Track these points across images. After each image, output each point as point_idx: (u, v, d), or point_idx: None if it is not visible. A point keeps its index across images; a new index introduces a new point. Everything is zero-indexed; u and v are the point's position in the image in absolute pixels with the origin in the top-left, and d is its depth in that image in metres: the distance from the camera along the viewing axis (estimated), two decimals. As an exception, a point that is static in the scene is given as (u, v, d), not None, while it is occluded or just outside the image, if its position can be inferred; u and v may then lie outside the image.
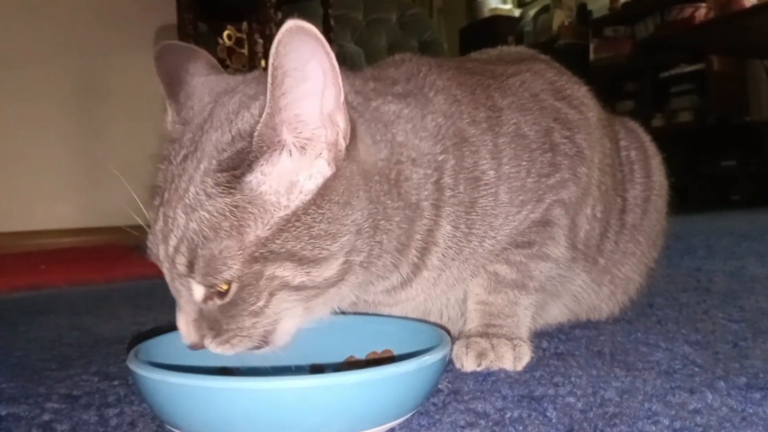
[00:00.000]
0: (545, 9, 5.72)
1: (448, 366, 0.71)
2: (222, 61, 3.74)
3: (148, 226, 0.60)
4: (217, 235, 0.54)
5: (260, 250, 0.55)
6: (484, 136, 0.73)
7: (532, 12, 5.89)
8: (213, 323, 0.59)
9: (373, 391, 0.51)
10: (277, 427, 0.49)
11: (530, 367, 0.74)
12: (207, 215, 0.55)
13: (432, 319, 0.81)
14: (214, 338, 0.59)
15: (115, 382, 0.76)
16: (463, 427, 0.56)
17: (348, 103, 0.59)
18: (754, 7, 3.61)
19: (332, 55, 0.53)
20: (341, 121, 0.57)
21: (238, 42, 3.81)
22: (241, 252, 0.55)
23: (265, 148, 0.54)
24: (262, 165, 0.55)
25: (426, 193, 0.68)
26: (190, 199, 0.55)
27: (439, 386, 0.67)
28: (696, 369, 0.71)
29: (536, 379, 0.69)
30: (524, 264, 0.78)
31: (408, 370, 0.53)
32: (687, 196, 3.74)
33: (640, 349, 0.81)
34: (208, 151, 0.56)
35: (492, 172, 0.73)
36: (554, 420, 0.57)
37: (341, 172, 0.58)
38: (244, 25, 3.76)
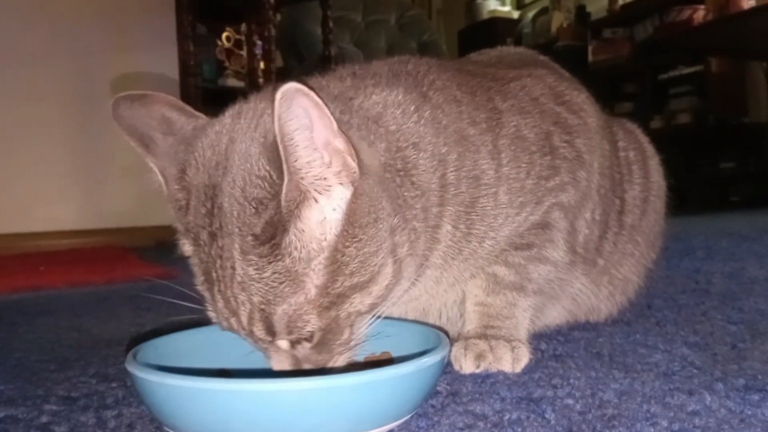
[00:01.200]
0: (544, 11, 5.73)
1: (446, 368, 0.71)
2: (221, 63, 3.74)
3: (206, 301, 0.61)
4: (283, 299, 0.56)
5: (329, 299, 0.57)
6: (484, 137, 0.74)
7: (531, 14, 5.90)
8: (307, 359, 0.61)
9: (371, 392, 0.51)
10: (275, 429, 0.49)
11: (529, 369, 0.74)
12: (265, 286, 0.56)
13: (431, 319, 0.81)
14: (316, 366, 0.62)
15: (114, 384, 0.76)
16: (461, 429, 0.56)
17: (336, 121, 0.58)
18: (752, 9, 3.61)
19: (312, 93, 0.51)
20: (342, 144, 0.56)
21: (237, 43, 3.82)
22: (311, 305, 0.57)
23: (293, 208, 0.54)
24: (295, 224, 0.55)
25: (434, 184, 0.69)
26: (241, 278, 0.56)
27: (438, 388, 0.67)
28: (694, 371, 0.71)
29: (535, 380, 0.69)
30: (523, 266, 0.78)
31: (407, 372, 0.53)
32: (686, 198, 3.74)
33: (639, 350, 0.81)
34: (235, 230, 0.56)
35: (492, 172, 0.73)
36: (553, 422, 0.57)
37: (359, 190, 0.58)
38: (243, 26, 3.76)
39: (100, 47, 3.32)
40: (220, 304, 0.59)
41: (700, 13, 4.09)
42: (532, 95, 0.80)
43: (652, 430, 0.54)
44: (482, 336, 0.76)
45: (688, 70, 4.32)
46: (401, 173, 0.65)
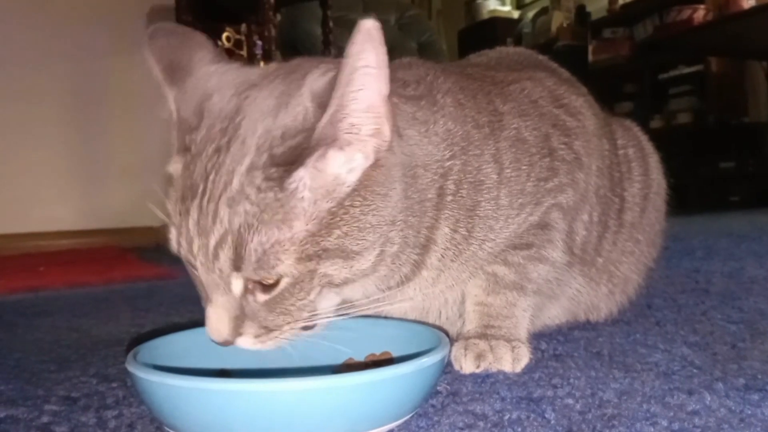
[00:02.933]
0: (544, 11, 5.73)
1: (446, 367, 0.71)
2: (221, 63, 3.74)
3: (170, 219, 0.59)
4: (267, 229, 0.54)
5: (314, 248, 0.56)
6: (487, 140, 0.74)
7: (530, 14, 5.90)
8: (251, 317, 0.58)
9: (371, 393, 0.51)
10: (275, 429, 0.49)
11: (529, 369, 0.74)
12: (255, 209, 0.54)
13: (430, 319, 0.81)
14: (253, 335, 0.58)
15: (114, 384, 0.76)
16: (461, 429, 0.56)
17: None
18: (752, 9, 3.61)
19: (385, 48, 0.53)
20: (386, 112, 0.57)
21: (237, 44, 3.82)
22: (294, 247, 0.55)
23: (323, 144, 0.54)
24: (317, 161, 0.55)
25: (430, 195, 0.69)
26: (234, 192, 0.54)
27: (438, 388, 0.67)
28: (694, 370, 0.71)
29: (535, 380, 0.69)
30: (522, 265, 0.78)
31: (407, 372, 0.53)
32: (686, 197, 3.75)
33: (639, 350, 0.81)
34: (251, 144, 0.55)
35: (494, 176, 0.74)
36: (553, 421, 0.57)
37: (381, 163, 0.59)
38: (243, 26, 3.76)
39: (99, 48, 3.32)
40: (193, 219, 0.56)
41: (700, 13, 4.09)
42: (531, 98, 0.81)
43: (652, 429, 0.54)
44: (482, 336, 0.76)
45: (688, 70, 4.33)
46: (410, 178, 0.65)
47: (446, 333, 0.67)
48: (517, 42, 5.47)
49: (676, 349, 0.80)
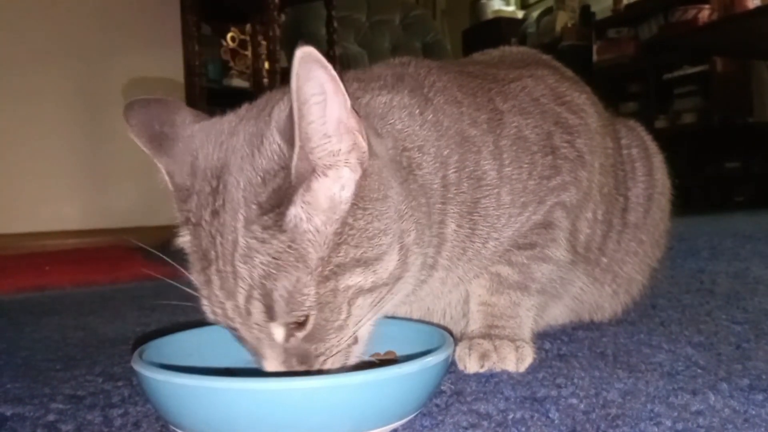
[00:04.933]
0: (548, 11, 5.72)
1: (451, 367, 0.72)
2: (225, 63, 3.75)
3: (199, 291, 0.59)
4: (286, 273, 0.54)
5: (328, 268, 0.56)
6: (485, 138, 0.74)
7: (535, 13, 5.89)
8: (301, 356, 0.59)
9: (376, 391, 0.51)
10: (280, 428, 0.50)
11: (533, 369, 0.74)
12: (268, 258, 0.54)
13: (435, 318, 0.82)
14: (306, 367, 0.59)
15: (120, 383, 0.77)
16: (465, 428, 0.56)
17: None
18: (757, 9, 3.60)
19: (329, 66, 0.52)
20: (355, 124, 0.57)
21: (242, 44, 3.83)
22: (311, 276, 0.55)
23: (302, 179, 0.54)
24: (302, 195, 0.55)
25: (436, 184, 0.69)
26: (243, 250, 0.55)
27: (442, 387, 0.67)
28: (699, 370, 0.71)
29: (539, 380, 0.69)
30: (526, 265, 0.78)
31: (411, 372, 0.53)
32: (690, 198, 3.74)
33: (643, 350, 0.81)
34: (239, 199, 0.55)
35: (494, 173, 0.73)
36: (557, 421, 0.57)
37: (369, 171, 0.59)
38: (248, 26, 3.77)
39: (105, 48, 3.33)
40: (217, 285, 0.57)
41: (704, 13, 4.08)
42: (533, 96, 0.80)
43: (656, 429, 0.54)
44: (486, 336, 0.76)
45: (693, 70, 4.31)
46: (406, 170, 0.66)
47: (450, 333, 0.67)
48: (522, 42, 5.47)
49: (680, 349, 0.80)
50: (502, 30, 5.65)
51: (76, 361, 0.90)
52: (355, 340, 0.62)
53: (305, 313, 0.56)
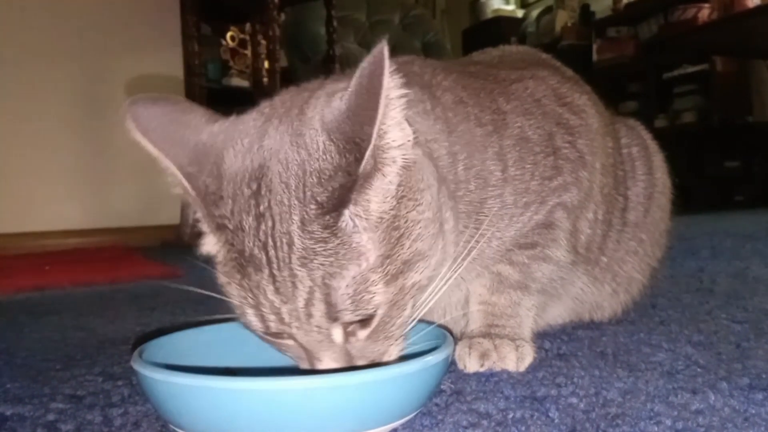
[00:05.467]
0: (548, 10, 5.73)
1: (451, 366, 0.72)
2: (225, 63, 3.75)
3: (243, 301, 0.57)
4: (348, 271, 0.53)
5: (395, 267, 0.56)
6: (490, 138, 0.74)
7: (535, 13, 5.90)
8: (358, 357, 0.58)
9: (376, 391, 0.51)
10: (280, 428, 0.50)
11: (533, 368, 0.74)
12: (328, 258, 0.53)
13: (434, 317, 0.81)
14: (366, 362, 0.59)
15: (120, 383, 0.77)
16: (465, 428, 0.56)
17: None
18: (757, 8, 3.61)
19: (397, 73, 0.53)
20: (404, 120, 0.57)
21: (242, 43, 3.83)
22: (377, 274, 0.55)
23: (367, 177, 0.54)
24: (365, 193, 0.54)
25: (450, 178, 0.69)
26: (301, 252, 0.53)
27: (442, 387, 0.67)
28: (698, 370, 0.71)
29: (539, 379, 0.69)
30: (527, 265, 0.78)
31: (411, 371, 0.53)
32: (690, 197, 3.74)
33: (643, 349, 0.81)
34: (291, 201, 0.53)
35: (499, 173, 0.74)
36: (557, 420, 0.57)
37: (414, 161, 0.59)
38: (248, 26, 3.77)
39: (105, 47, 3.33)
40: (270, 290, 0.54)
41: (704, 12, 4.09)
42: (534, 96, 0.80)
43: (656, 428, 0.54)
44: (486, 335, 0.76)
45: (693, 69, 4.32)
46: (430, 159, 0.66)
47: (450, 332, 0.67)
48: (521, 41, 5.47)
49: (680, 348, 0.80)
50: (501, 29, 5.66)
51: (75, 361, 0.90)
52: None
53: (371, 312, 0.55)
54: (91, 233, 3.26)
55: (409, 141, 0.57)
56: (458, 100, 0.74)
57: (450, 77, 0.77)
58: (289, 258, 0.53)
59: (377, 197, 0.55)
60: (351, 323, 0.56)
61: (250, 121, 0.60)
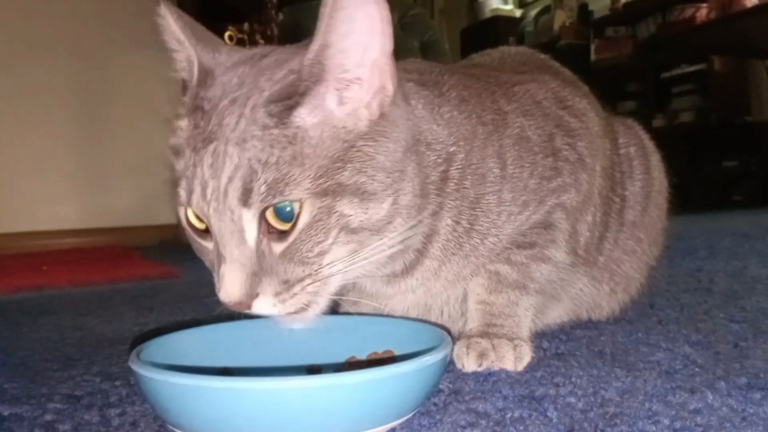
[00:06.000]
0: (546, 9, 5.72)
1: (449, 366, 0.72)
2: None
3: (182, 173, 0.58)
4: (277, 163, 0.55)
5: (329, 182, 0.56)
6: (490, 136, 0.75)
7: (533, 12, 5.89)
8: (268, 274, 0.57)
9: (374, 391, 0.51)
10: (278, 427, 0.50)
11: (531, 368, 0.74)
12: (263, 144, 0.55)
13: (432, 317, 0.82)
14: (272, 293, 0.57)
15: (118, 383, 0.77)
16: (464, 427, 0.56)
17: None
18: (755, 8, 3.61)
19: (385, 7, 0.56)
20: (388, 69, 0.60)
21: (240, 42, 3.82)
22: (309, 180, 0.55)
23: (314, 79, 0.57)
24: (312, 97, 0.57)
25: (432, 177, 0.70)
26: (241, 132, 0.55)
27: (440, 386, 0.67)
28: (697, 369, 0.71)
29: (537, 379, 0.69)
30: (525, 265, 0.78)
31: (409, 371, 0.53)
32: (688, 197, 3.74)
33: (641, 349, 0.81)
34: (254, 89, 0.58)
35: (497, 170, 0.74)
36: (555, 420, 0.57)
37: (388, 116, 0.61)
38: (246, 25, 3.77)
39: (103, 47, 3.33)
40: (207, 163, 0.56)
41: (702, 12, 4.09)
42: (535, 99, 0.81)
43: (654, 428, 0.54)
44: (484, 334, 0.76)
45: (691, 69, 4.31)
46: (411, 149, 0.66)
47: (448, 331, 0.67)
48: (520, 41, 5.47)
49: (678, 348, 0.80)
50: (500, 29, 5.65)
51: (73, 361, 0.89)
52: (321, 292, 0.61)
53: (282, 200, 0.55)
54: (90, 233, 3.26)
55: (384, 90, 0.60)
56: (461, 98, 0.75)
57: (453, 79, 0.78)
58: (230, 136, 0.56)
59: (329, 113, 0.58)
60: (268, 230, 0.56)
61: (267, 48, 0.66)
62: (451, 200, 0.72)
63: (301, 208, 0.56)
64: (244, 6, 3.53)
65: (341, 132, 0.58)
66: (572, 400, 0.62)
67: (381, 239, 0.62)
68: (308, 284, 0.59)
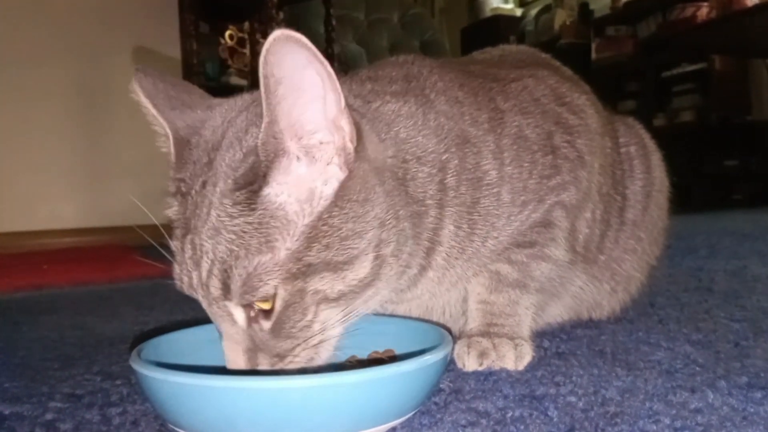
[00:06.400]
0: (547, 8, 5.72)
1: (449, 365, 0.72)
2: (224, 61, 3.75)
3: (174, 258, 0.59)
4: (248, 253, 0.54)
5: (297, 266, 0.55)
6: (486, 137, 0.74)
7: (533, 11, 5.90)
8: (263, 347, 0.58)
9: (374, 390, 0.51)
10: (279, 427, 0.50)
11: (532, 367, 0.74)
12: (233, 236, 0.54)
13: (434, 316, 0.82)
14: (268, 365, 0.59)
15: (118, 382, 0.77)
16: (464, 426, 0.56)
17: (349, 106, 0.58)
18: (755, 7, 3.61)
19: (326, 62, 0.52)
20: (346, 125, 0.57)
21: (240, 42, 3.83)
22: (278, 268, 0.55)
23: (272, 157, 0.54)
24: (274, 175, 0.54)
25: (431, 192, 0.69)
26: (213, 222, 0.55)
27: (441, 385, 0.67)
28: (697, 368, 0.71)
29: (537, 378, 0.69)
30: (525, 264, 0.78)
31: (409, 370, 0.53)
32: (689, 196, 3.74)
33: (642, 348, 0.81)
34: (222, 172, 0.56)
35: (494, 173, 0.74)
36: (555, 419, 0.57)
37: (354, 173, 0.58)
38: (246, 25, 3.77)
39: (103, 46, 3.33)
40: (188, 256, 0.57)
41: (703, 11, 4.09)
42: (533, 96, 0.80)
43: (655, 427, 0.54)
44: (485, 334, 0.76)
45: (692, 68, 4.31)
46: (399, 180, 0.65)
47: (449, 330, 0.67)
48: (520, 40, 5.47)
49: (678, 347, 0.80)
50: (500, 28, 5.65)
51: (74, 360, 0.89)
52: (321, 346, 0.61)
53: (259, 298, 0.55)
54: (89, 232, 3.26)
55: (345, 150, 0.57)
56: (454, 100, 0.74)
57: (447, 76, 0.77)
58: (204, 227, 0.55)
59: (295, 187, 0.55)
60: (256, 310, 0.57)
61: (239, 100, 0.64)
62: (451, 208, 0.71)
63: (276, 290, 0.56)
64: (244, 5, 3.53)
65: (307, 205, 0.56)
66: (573, 399, 0.62)
67: (372, 290, 0.61)
68: (301, 352, 0.59)
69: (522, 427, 0.56)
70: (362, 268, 0.59)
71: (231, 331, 0.58)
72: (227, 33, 3.79)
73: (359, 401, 0.51)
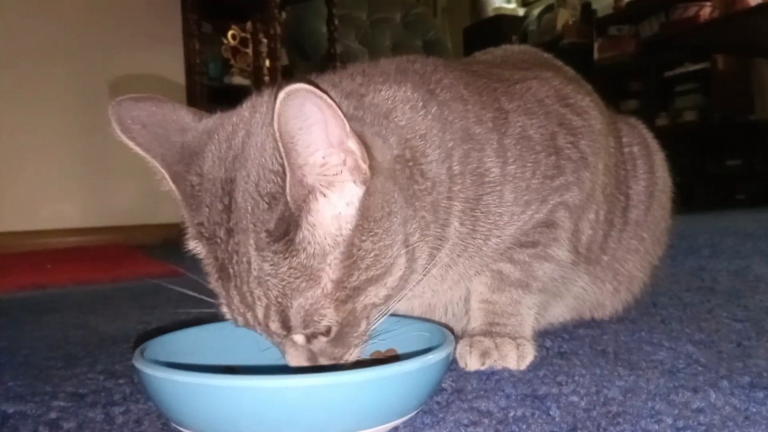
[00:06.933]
0: (549, 8, 5.72)
1: (451, 365, 0.72)
2: (226, 61, 3.75)
3: (217, 299, 0.62)
4: (299, 294, 0.57)
5: (345, 292, 0.58)
6: (489, 135, 0.74)
7: (536, 11, 5.89)
8: (321, 355, 0.62)
9: (377, 389, 0.51)
10: (281, 426, 0.50)
11: (534, 366, 0.74)
12: (281, 282, 0.56)
13: (437, 315, 0.82)
14: (328, 363, 0.63)
15: (121, 381, 0.77)
16: (466, 426, 0.56)
17: (349, 117, 0.57)
18: (758, 6, 3.60)
19: (325, 95, 0.51)
20: (354, 146, 0.57)
21: (243, 41, 3.83)
22: (328, 299, 0.58)
23: (301, 203, 0.55)
24: (306, 218, 0.56)
25: (442, 176, 0.69)
26: (257, 273, 0.57)
27: (443, 385, 0.67)
28: (699, 368, 0.71)
29: (540, 378, 0.69)
30: (528, 263, 0.78)
31: (412, 369, 0.53)
32: (692, 196, 3.74)
33: (644, 348, 0.81)
34: (248, 225, 0.56)
35: (497, 170, 0.74)
36: (557, 419, 0.57)
37: (372, 189, 0.59)
38: (249, 24, 3.77)
39: (106, 46, 3.33)
40: (236, 299, 0.59)
41: (705, 10, 4.08)
42: (537, 97, 0.80)
43: (657, 427, 0.54)
44: (487, 333, 0.76)
45: (694, 68, 4.32)
46: (410, 164, 0.66)
47: (451, 330, 0.67)
48: (523, 39, 5.47)
49: (681, 347, 0.80)
50: (502, 28, 5.65)
51: (77, 359, 0.90)
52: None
53: (321, 330, 0.59)
54: (93, 231, 3.26)
55: (359, 169, 0.57)
56: (458, 98, 0.74)
57: (451, 75, 0.77)
58: (248, 277, 0.57)
59: (323, 220, 0.56)
60: (314, 335, 0.61)
61: (231, 125, 0.62)
62: (457, 202, 0.71)
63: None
64: (247, 5, 3.53)
65: (338, 229, 0.57)
66: (575, 398, 0.62)
67: (413, 277, 0.66)
68: (355, 350, 0.64)
69: (524, 426, 0.56)
70: (399, 269, 0.62)
71: (291, 350, 0.62)
72: (230, 33, 3.80)
73: (362, 400, 0.51)
